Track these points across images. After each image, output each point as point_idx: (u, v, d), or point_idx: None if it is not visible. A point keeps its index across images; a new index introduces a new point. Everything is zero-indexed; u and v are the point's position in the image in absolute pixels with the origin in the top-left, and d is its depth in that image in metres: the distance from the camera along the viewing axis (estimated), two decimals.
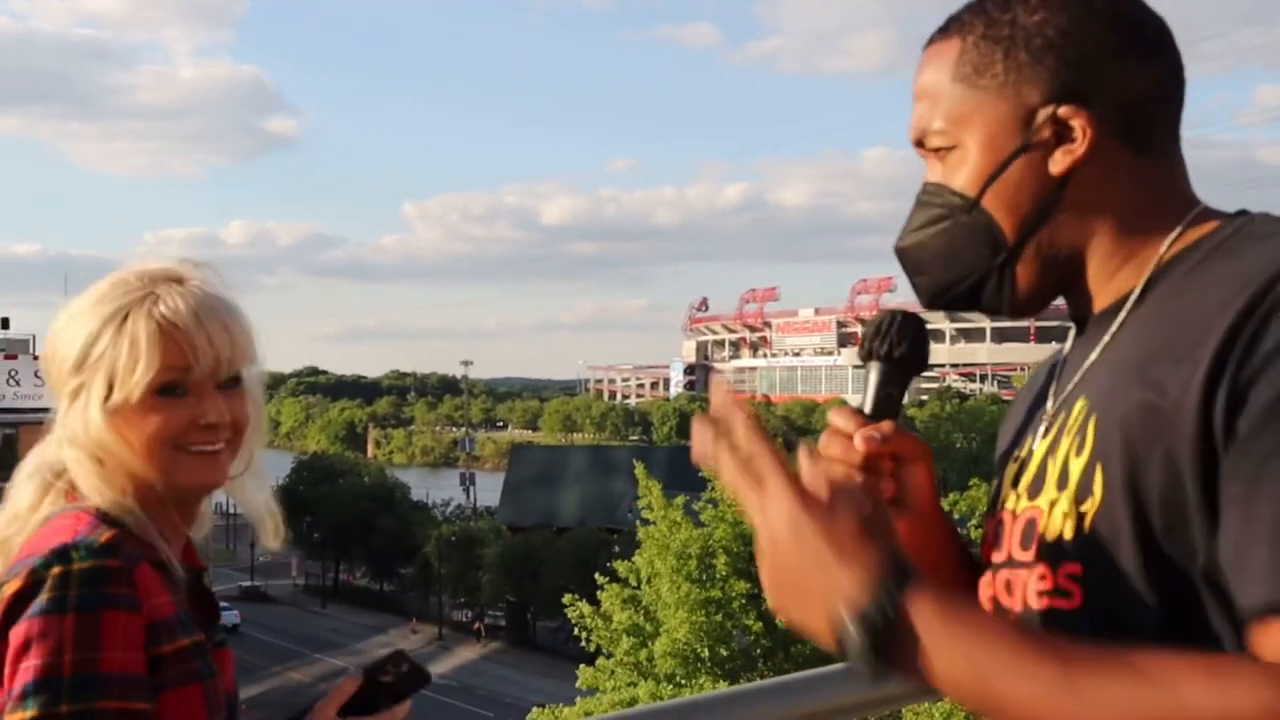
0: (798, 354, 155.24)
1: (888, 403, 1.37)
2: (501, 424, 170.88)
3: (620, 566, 23.76)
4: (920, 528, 1.41)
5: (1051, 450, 1.32)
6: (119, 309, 1.60)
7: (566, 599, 23.52)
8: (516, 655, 51.73)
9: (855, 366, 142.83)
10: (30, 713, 1.41)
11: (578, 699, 23.68)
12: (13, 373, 34.85)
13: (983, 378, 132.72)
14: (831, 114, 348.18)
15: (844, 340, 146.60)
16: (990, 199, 1.33)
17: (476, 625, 55.38)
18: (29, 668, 1.42)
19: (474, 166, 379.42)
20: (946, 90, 1.35)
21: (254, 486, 1.77)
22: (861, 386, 1.40)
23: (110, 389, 1.58)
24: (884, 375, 1.38)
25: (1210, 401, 1.13)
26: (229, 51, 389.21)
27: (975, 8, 1.36)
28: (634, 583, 23.38)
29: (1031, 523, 1.33)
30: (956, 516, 22.88)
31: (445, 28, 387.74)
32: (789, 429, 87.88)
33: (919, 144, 1.40)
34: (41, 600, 1.44)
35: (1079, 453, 1.25)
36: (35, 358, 35.50)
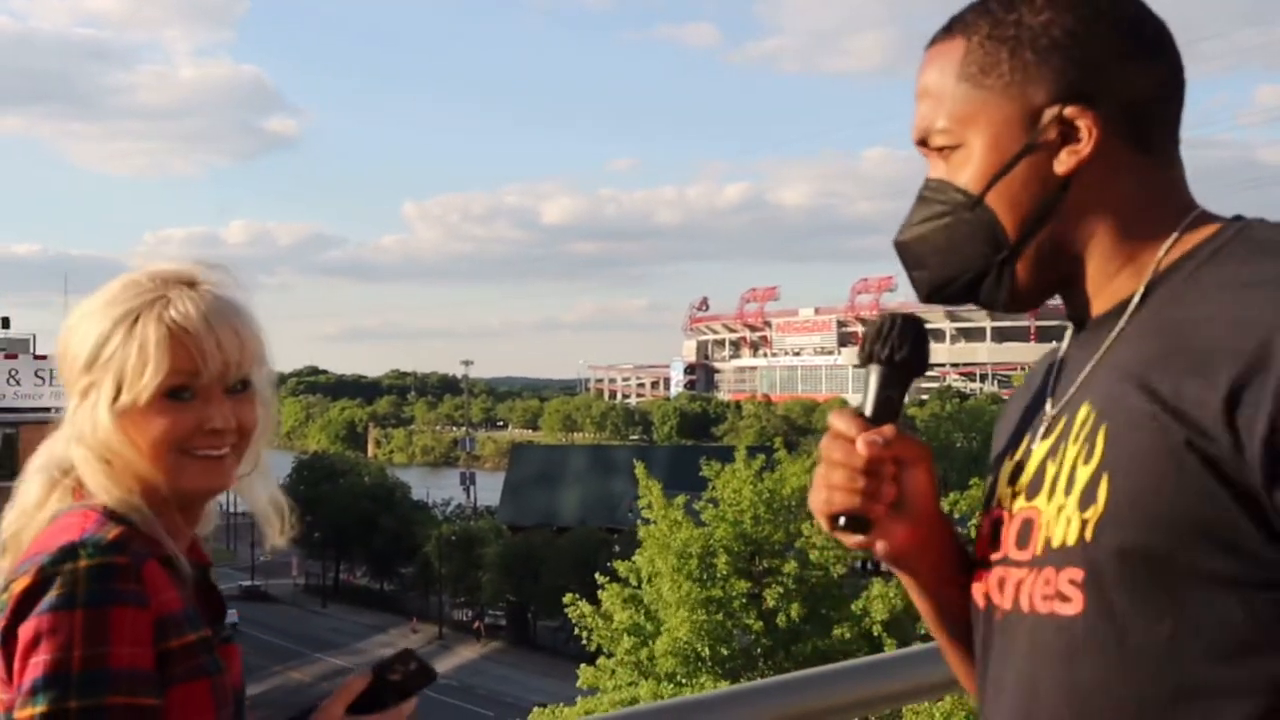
0: (798, 353, 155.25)
1: (888, 406, 1.37)
2: (502, 424, 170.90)
3: (621, 566, 23.78)
4: (921, 530, 1.41)
5: (1052, 453, 1.33)
6: (130, 311, 1.61)
7: (567, 598, 23.54)
8: (517, 655, 51.76)
9: (856, 366, 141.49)
10: (40, 708, 1.42)
11: (578, 699, 23.70)
12: (13, 372, 34.82)
13: (983, 377, 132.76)
14: (832, 114, 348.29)
15: (844, 340, 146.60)
16: (994, 197, 1.34)
17: (476, 625, 55.41)
18: (38, 663, 1.44)
19: (474, 166, 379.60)
20: (951, 90, 1.35)
21: (261, 485, 1.78)
22: (861, 388, 1.40)
23: (119, 390, 1.59)
24: (884, 378, 1.38)
25: (1236, 422, 1.15)
26: (229, 51, 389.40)
27: (979, 8, 1.36)
28: (634, 582, 23.40)
29: (1028, 523, 1.33)
30: (957, 516, 22.86)
31: (446, 27, 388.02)
32: (789, 428, 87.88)
33: (922, 143, 1.40)
34: (50, 597, 1.46)
35: (1087, 460, 1.26)
36: (36, 357, 35.54)
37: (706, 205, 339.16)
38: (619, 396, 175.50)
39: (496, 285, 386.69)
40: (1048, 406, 1.39)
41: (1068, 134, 1.32)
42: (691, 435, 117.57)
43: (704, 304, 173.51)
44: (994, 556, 1.38)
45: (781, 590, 23.03)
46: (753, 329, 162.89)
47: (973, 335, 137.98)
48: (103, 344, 1.61)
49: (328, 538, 62.41)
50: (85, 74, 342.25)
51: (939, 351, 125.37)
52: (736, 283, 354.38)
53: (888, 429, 1.35)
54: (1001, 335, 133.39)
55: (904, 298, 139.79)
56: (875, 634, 22.59)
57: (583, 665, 23.31)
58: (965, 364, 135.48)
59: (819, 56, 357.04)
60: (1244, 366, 1.15)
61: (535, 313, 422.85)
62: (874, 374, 1.38)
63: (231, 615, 2.91)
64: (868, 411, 1.37)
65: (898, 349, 1.37)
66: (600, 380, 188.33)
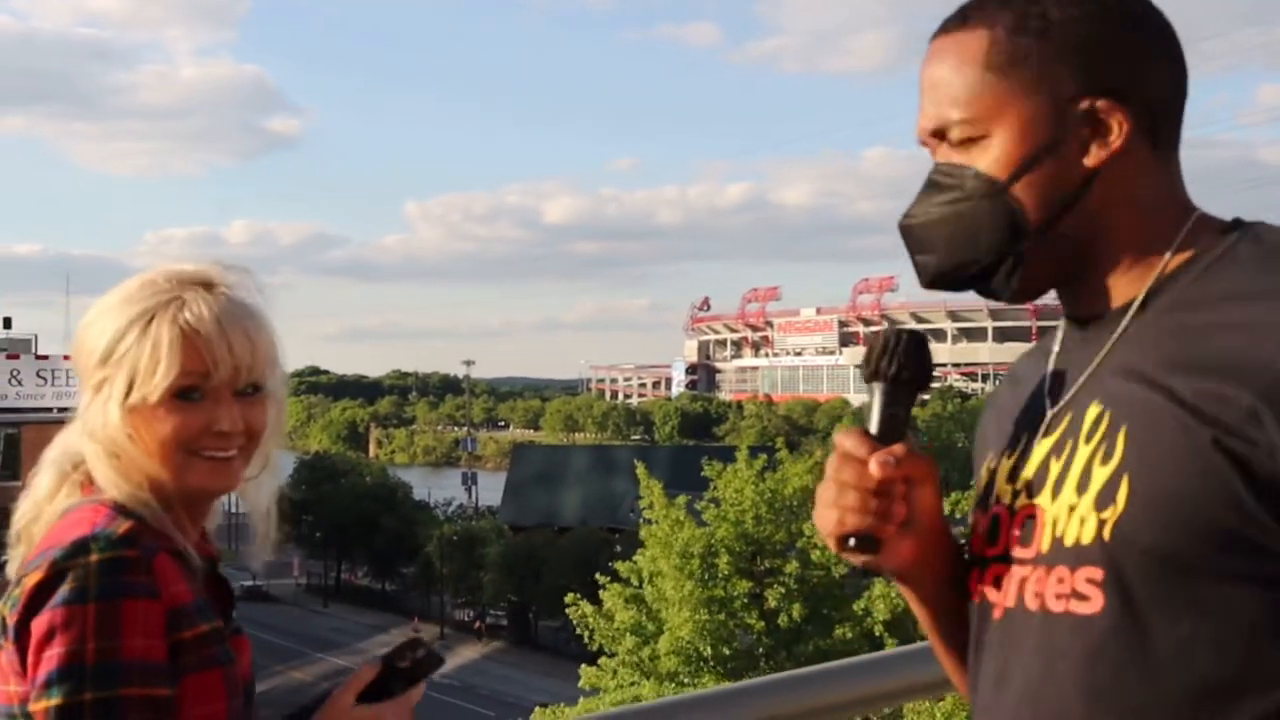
0: (799, 353, 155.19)
1: (895, 423, 1.36)
2: (503, 423, 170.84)
3: (622, 567, 23.77)
4: (926, 544, 1.41)
5: (1056, 452, 1.33)
6: (145, 310, 1.64)
7: (569, 598, 23.53)
8: (518, 655, 51.74)
9: (857, 366, 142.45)
10: (55, 701, 1.44)
11: (580, 699, 23.69)
12: (15, 372, 34.84)
13: (984, 377, 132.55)
14: (832, 114, 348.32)
15: (846, 340, 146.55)
16: (1021, 186, 1.33)
17: (477, 624, 55.41)
18: (52, 656, 1.46)
19: (476, 166, 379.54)
20: (975, 80, 1.34)
21: (266, 489, 1.80)
22: (866, 405, 1.39)
23: (130, 387, 1.62)
24: (889, 395, 1.37)
25: (1264, 421, 1.17)
26: (231, 51, 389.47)
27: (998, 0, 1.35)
28: (635, 583, 23.39)
29: (1031, 520, 1.33)
30: (957, 516, 22.85)
31: (447, 27, 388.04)
32: (791, 428, 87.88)
33: (936, 134, 1.38)
34: (63, 591, 1.48)
35: (1105, 461, 1.26)
36: (38, 357, 35.58)
37: (708, 205, 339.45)
38: (620, 396, 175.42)
39: (498, 285, 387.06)
40: (1047, 404, 1.39)
41: (1097, 128, 1.32)
42: (693, 435, 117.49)
43: (705, 304, 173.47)
44: (992, 553, 1.38)
45: (783, 590, 23.01)
46: (754, 329, 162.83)
47: (974, 335, 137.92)
48: (117, 341, 1.63)
49: (329, 538, 62.44)
50: (87, 74, 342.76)
51: (940, 351, 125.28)
52: (738, 282, 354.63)
53: (898, 448, 1.34)
54: (1003, 335, 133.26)
55: (905, 297, 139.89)
56: (877, 634, 22.57)
57: (585, 666, 23.30)
58: (966, 364, 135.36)
59: (820, 56, 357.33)
60: (1271, 370, 1.17)
61: (536, 313, 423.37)
62: (878, 391, 1.37)
63: None
64: (873, 429, 1.36)
65: (903, 366, 1.36)
66: (602, 380, 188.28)
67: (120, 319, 1.64)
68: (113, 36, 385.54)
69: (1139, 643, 1.22)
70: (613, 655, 22.84)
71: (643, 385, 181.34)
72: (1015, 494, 1.37)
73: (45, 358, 35.82)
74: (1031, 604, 1.31)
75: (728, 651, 22.29)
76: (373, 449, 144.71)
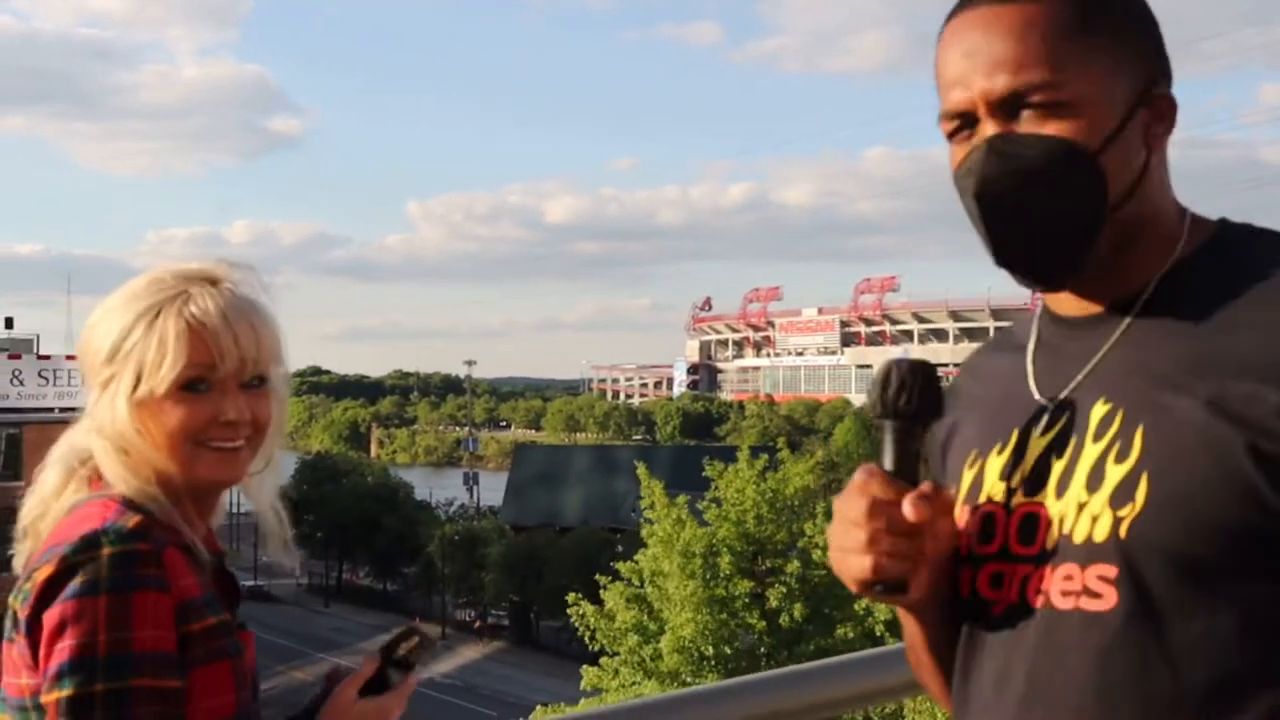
0: (801, 353, 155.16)
1: (914, 459, 1.32)
2: (505, 424, 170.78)
3: (623, 567, 23.78)
4: (939, 572, 1.37)
5: (1057, 449, 1.32)
6: (152, 305, 1.67)
7: (570, 598, 23.54)
8: (520, 655, 51.74)
9: (859, 366, 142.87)
10: (66, 692, 1.46)
11: (581, 699, 23.69)
12: (17, 372, 34.87)
13: None
14: (833, 113, 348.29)
15: (847, 340, 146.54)
16: (1108, 156, 1.29)
17: (477, 624, 55.39)
18: (64, 648, 1.48)
19: (477, 166, 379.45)
20: (1056, 46, 1.29)
21: (269, 485, 1.83)
22: (879, 444, 1.34)
23: (138, 381, 1.65)
24: (904, 430, 1.32)
25: None
26: (232, 51, 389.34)
27: None
28: (637, 583, 23.40)
29: (1033, 518, 1.32)
30: None
31: (448, 27, 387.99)
32: (792, 428, 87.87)
33: (1001, 103, 1.30)
34: (75, 584, 1.50)
35: (1120, 459, 1.25)
36: (39, 357, 35.62)
37: (709, 205, 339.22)
38: (622, 396, 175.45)
39: (499, 285, 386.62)
40: (1036, 397, 1.37)
41: (1156, 113, 1.33)
42: (694, 435, 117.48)
43: (707, 304, 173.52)
44: (986, 551, 1.36)
45: (784, 590, 23.02)
46: (756, 329, 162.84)
47: (975, 335, 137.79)
48: (124, 337, 1.66)
49: (331, 538, 62.42)
50: (88, 74, 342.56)
51: (942, 352, 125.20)
52: (739, 282, 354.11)
53: (927, 486, 1.31)
54: None
55: (907, 297, 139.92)
56: (878, 633, 22.56)
57: (586, 666, 23.31)
58: None
59: (821, 56, 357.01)
60: None
61: (538, 312, 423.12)
62: (892, 428, 1.32)
63: None
64: (889, 465, 1.32)
65: (915, 399, 1.31)
66: (603, 380, 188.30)
67: (127, 316, 1.67)
68: (114, 36, 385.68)
69: (1154, 639, 1.22)
70: (614, 655, 22.84)
71: (644, 385, 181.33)
72: (1011, 492, 1.35)
73: (47, 358, 35.86)
74: (1034, 601, 1.30)
75: (729, 651, 22.30)
76: (374, 449, 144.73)
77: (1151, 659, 1.22)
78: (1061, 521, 1.29)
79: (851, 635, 22.74)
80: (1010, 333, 1.51)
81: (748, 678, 2.33)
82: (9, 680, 1.58)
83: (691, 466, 29.09)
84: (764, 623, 22.91)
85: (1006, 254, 1.33)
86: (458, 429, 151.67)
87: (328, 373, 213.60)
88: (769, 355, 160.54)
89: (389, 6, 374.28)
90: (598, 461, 63.10)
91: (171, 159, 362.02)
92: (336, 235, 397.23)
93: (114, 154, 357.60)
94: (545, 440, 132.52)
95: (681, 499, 23.51)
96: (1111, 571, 1.24)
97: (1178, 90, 1.37)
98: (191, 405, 1.65)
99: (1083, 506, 1.27)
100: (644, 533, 23.73)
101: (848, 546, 1.31)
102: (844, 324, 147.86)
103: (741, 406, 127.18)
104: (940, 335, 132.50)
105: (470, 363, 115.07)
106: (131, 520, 1.56)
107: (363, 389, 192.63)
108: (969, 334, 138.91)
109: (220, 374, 1.66)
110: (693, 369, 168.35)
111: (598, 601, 23.21)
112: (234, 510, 2.14)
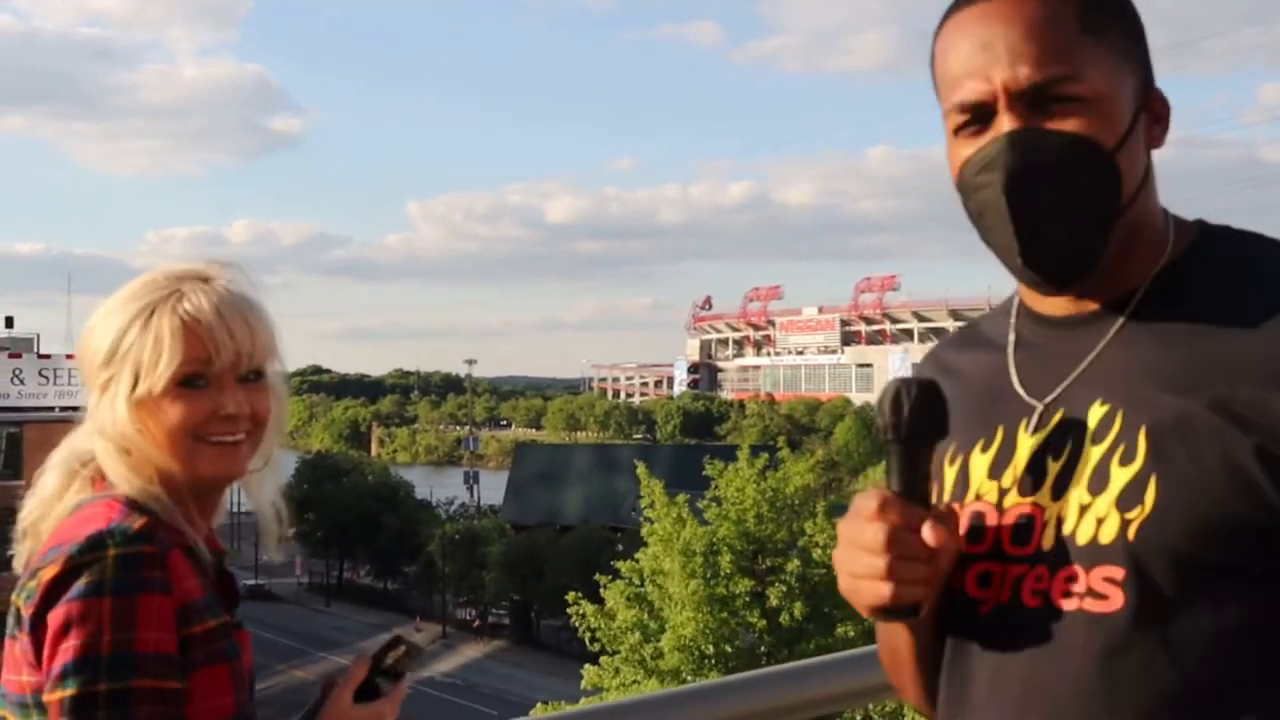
0: (801, 352, 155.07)
1: (924, 481, 1.30)
2: (505, 423, 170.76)
3: (624, 566, 23.77)
4: (937, 589, 1.36)
5: (1053, 449, 1.31)
6: (146, 305, 1.68)
7: (570, 597, 23.54)
8: (521, 654, 51.76)
9: (859, 365, 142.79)
10: (70, 691, 1.47)
11: (582, 699, 23.69)
12: (17, 371, 34.89)
13: None
14: (833, 113, 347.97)
15: (848, 339, 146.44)
16: (1122, 156, 1.28)
17: (477, 624, 55.41)
18: (69, 648, 1.49)
19: (478, 165, 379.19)
20: (1074, 41, 1.27)
21: (269, 483, 1.84)
22: (887, 467, 1.32)
23: (136, 381, 1.66)
24: (911, 451, 1.30)
25: None
26: (232, 51, 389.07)
27: None
28: (637, 581, 23.40)
29: (1028, 518, 1.31)
30: None
31: (448, 27, 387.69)
32: (793, 427, 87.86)
33: (1021, 95, 1.27)
34: (80, 584, 1.51)
35: (1125, 462, 1.25)
36: (40, 356, 35.63)
37: (710, 204, 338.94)
38: (622, 395, 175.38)
39: (499, 284, 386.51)
40: (1024, 396, 1.36)
41: (1156, 114, 1.33)
42: (695, 434, 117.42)
43: (707, 303, 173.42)
44: (975, 550, 1.35)
45: (785, 589, 23.02)
46: (756, 328, 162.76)
47: None
48: (120, 339, 1.68)
49: (331, 537, 62.46)
50: (88, 73, 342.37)
51: None
52: (740, 282, 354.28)
53: (943, 508, 1.30)
54: None
55: (907, 296, 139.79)
56: None
57: (587, 665, 23.31)
58: None
59: (821, 55, 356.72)
60: None
61: (538, 312, 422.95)
62: (898, 450, 1.30)
63: None
64: (898, 488, 1.29)
65: (921, 420, 1.29)
66: (604, 379, 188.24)
67: (122, 317, 1.69)
68: (114, 36, 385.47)
69: (1161, 640, 1.22)
70: (615, 654, 22.84)
71: (645, 384, 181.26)
72: (1003, 491, 1.34)
73: (47, 357, 35.88)
74: (1030, 601, 1.29)
75: (730, 650, 22.29)
76: (375, 448, 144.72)
77: (1157, 660, 1.22)
78: (1061, 522, 1.28)
79: (852, 634, 22.73)
80: (977, 328, 1.48)
81: (749, 674, 2.33)
82: (9, 677, 1.59)
83: (692, 465, 29.10)
84: (764, 621, 22.90)
85: (1032, 252, 1.29)
86: (458, 428, 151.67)
87: (328, 372, 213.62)
88: (769, 354, 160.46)
89: (389, 6, 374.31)
90: (598, 460, 63.10)
91: (171, 159, 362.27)
92: (337, 235, 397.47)
93: (114, 154, 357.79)
94: (546, 439, 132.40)
95: (682, 498, 23.51)
96: (1119, 573, 1.24)
97: (1178, 90, 1.39)
98: (190, 401, 1.66)
99: (1085, 508, 1.27)
100: (644, 532, 23.72)
101: (862, 574, 1.28)
102: (844, 323, 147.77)
103: (742, 405, 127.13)
104: (940, 334, 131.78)
105: (471, 362, 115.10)
106: (137, 522, 1.57)
107: (363, 388, 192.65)
108: None
109: (217, 369, 1.67)
110: (693, 368, 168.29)
111: (598, 600, 23.20)
112: (235, 509, 2.14)
